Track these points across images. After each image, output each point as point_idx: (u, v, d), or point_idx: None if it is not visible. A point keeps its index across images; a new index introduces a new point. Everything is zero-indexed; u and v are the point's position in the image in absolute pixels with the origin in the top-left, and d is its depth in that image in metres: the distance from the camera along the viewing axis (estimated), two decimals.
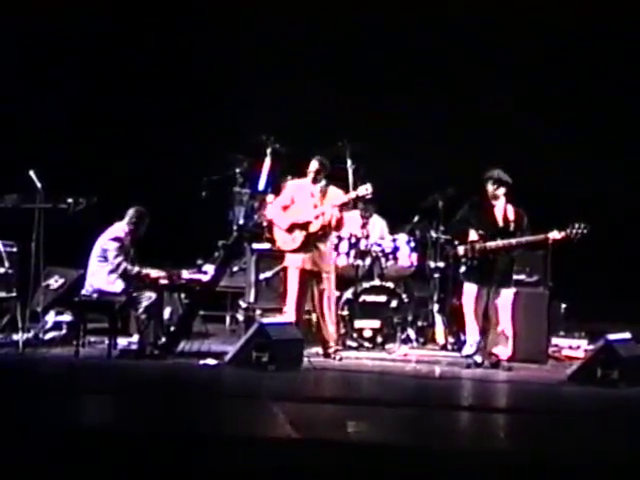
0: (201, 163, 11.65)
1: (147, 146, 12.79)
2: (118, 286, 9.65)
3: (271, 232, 10.30)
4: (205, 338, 10.43)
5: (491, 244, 9.71)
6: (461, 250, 9.80)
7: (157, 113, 12.81)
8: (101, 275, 9.70)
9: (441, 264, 10.95)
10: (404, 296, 10.73)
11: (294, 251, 9.93)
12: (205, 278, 10.03)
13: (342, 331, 10.46)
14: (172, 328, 9.87)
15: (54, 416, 6.93)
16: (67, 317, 10.19)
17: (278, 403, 7.51)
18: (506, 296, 9.73)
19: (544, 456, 6.35)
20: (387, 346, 10.52)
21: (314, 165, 10.02)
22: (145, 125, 12.84)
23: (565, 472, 6.05)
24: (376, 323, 10.57)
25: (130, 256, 9.81)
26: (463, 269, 9.81)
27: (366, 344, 10.52)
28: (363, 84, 12.89)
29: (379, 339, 10.56)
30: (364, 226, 11.00)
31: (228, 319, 11.93)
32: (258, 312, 10.60)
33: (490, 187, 9.85)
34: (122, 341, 9.88)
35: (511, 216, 9.82)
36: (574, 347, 10.79)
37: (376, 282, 10.79)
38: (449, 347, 10.75)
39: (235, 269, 11.09)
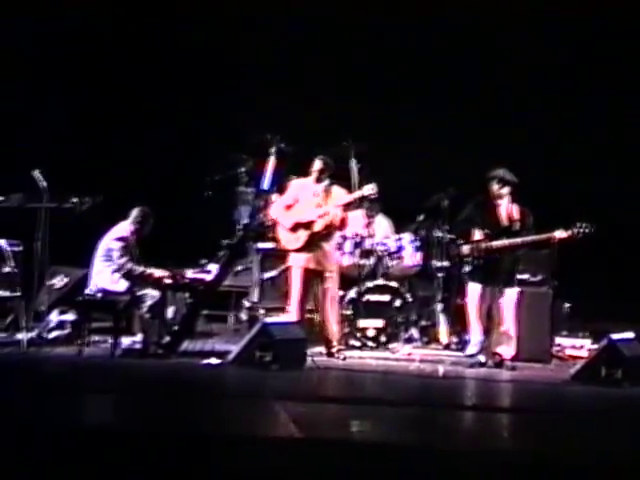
0: (205, 162, 11.65)
1: (152, 145, 12.80)
2: (122, 285, 9.66)
3: (275, 231, 10.31)
4: (209, 337, 10.45)
5: (496, 243, 9.70)
6: (465, 249, 9.79)
7: (161, 112, 12.82)
8: (105, 274, 9.70)
9: (445, 263, 10.94)
10: (408, 295, 10.73)
11: (298, 250, 9.93)
12: (209, 277, 10.03)
13: (346, 330, 10.45)
14: (176, 327, 9.86)
15: (58, 415, 6.93)
16: (71, 316, 10.19)
17: (281, 402, 7.51)
18: (510, 295, 9.73)
19: (548, 456, 6.35)
20: (391, 345, 10.51)
21: (317, 164, 10.03)
22: (150, 124, 12.85)
23: (569, 472, 6.05)
24: (380, 322, 10.57)
25: (134, 256, 9.82)
26: (467, 268, 9.81)
27: (370, 343, 10.51)
28: (368, 83, 12.89)
29: (383, 338, 10.55)
30: (368, 225, 11.00)
31: (232, 318, 11.92)
32: (262, 311, 10.61)
33: (495, 186, 9.85)
34: (126, 340, 9.87)
35: (516, 215, 9.82)
36: (578, 347, 10.77)
37: (380, 281, 10.79)
38: (453, 346, 10.74)
39: (239, 268, 11.10)
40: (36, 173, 9.97)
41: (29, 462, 5.77)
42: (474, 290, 9.74)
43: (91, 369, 9.05)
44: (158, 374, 8.96)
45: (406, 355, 10.26)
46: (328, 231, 9.96)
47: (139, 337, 9.76)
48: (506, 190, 9.83)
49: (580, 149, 12.71)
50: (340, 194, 10.00)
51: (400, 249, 10.95)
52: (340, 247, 10.65)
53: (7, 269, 10.32)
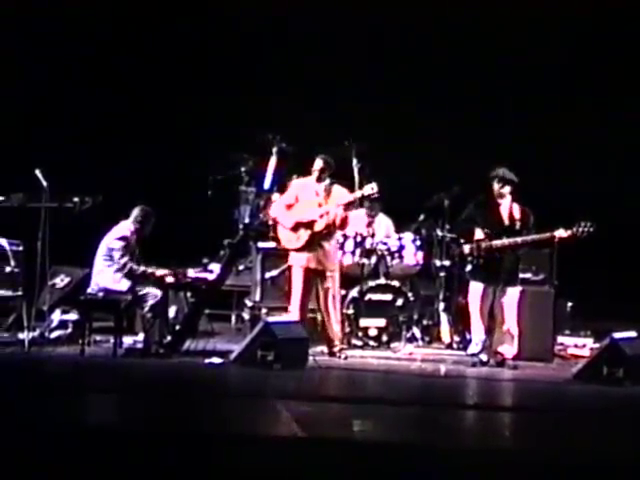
0: (207, 162, 11.66)
1: (153, 145, 12.81)
2: (124, 285, 9.66)
3: (276, 231, 10.31)
4: (211, 337, 10.45)
5: (497, 243, 9.70)
6: (467, 249, 9.80)
7: (162, 112, 12.82)
8: (107, 274, 9.70)
9: (447, 263, 10.94)
10: (410, 295, 10.72)
11: (298, 250, 9.93)
12: (211, 277, 10.03)
13: (347, 330, 10.45)
14: (178, 327, 9.87)
15: (59, 415, 6.93)
16: (73, 316, 10.20)
17: (283, 402, 7.51)
18: (512, 295, 9.73)
19: (549, 454, 6.35)
20: (392, 345, 10.51)
21: (318, 164, 10.03)
22: (151, 124, 12.85)
23: (570, 471, 6.05)
24: (381, 322, 10.57)
25: (136, 255, 9.82)
26: (469, 268, 9.82)
27: (371, 343, 10.51)
28: (369, 83, 12.89)
29: (384, 338, 10.55)
30: (370, 225, 11.01)
31: (234, 318, 11.93)
32: (264, 311, 10.61)
33: (496, 186, 9.86)
34: (128, 340, 9.89)
35: (517, 214, 9.82)
36: (580, 345, 10.79)
37: (382, 281, 10.79)
38: (454, 346, 10.74)
39: (241, 268, 11.09)
40: (37, 173, 9.97)
41: (31, 462, 5.77)
42: (476, 289, 9.75)
43: (93, 369, 9.06)
44: (160, 374, 8.96)
45: (408, 354, 10.26)
46: (329, 230, 9.96)
47: (141, 336, 9.77)
48: (507, 189, 9.84)
49: (581, 148, 12.71)
50: (341, 193, 10.00)
51: (401, 248, 10.94)
52: (341, 246, 10.64)
53: (9, 269, 10.33)
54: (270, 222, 10.60)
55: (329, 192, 10.01)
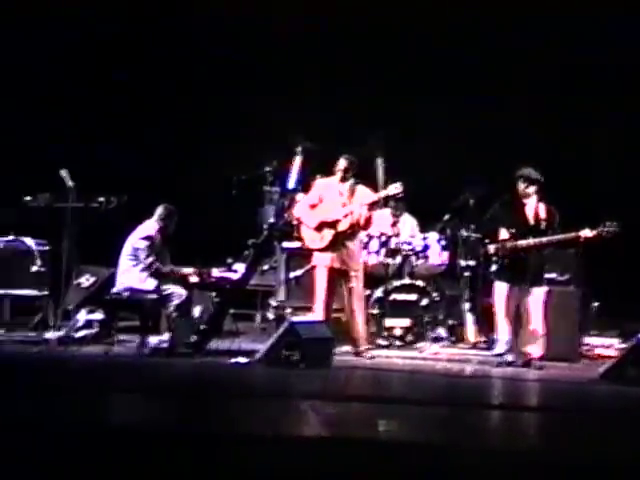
0: (231, 162, 11.67)
1: (178, 145, 12.84)
2: (150, 284, 9.69)
3: (299, 231, 10.31)
4: (235, 336, 10.44)
5: (522, 243, 9.66)
6: (492, 249, 9.76)
7: (187, 111, 12.84)
8: (133, 273, 9.74)
9: (472, 263, 10.90)
10: (435, 295, 10.71)
11: (322, 250, 9.93)
12: (235, 276, 10.05)
13: (372, 330, 10.45)
14: (202, 326, 9.88)
15: (84, 414, 6.95)
16: (98, 315, 10.23)
17: (308, 402, 7.51)
18: (537, 295, 9.69)
19: (574, 455, 6.31)
20: (418, 345, 10.50)
21: (342, 163, 10.02)
22: (175, 124, 12.88)
23: (596, 471, 6.01)
24: (406, 322, 10.56)
25: (161, 254, 9.84)
26: (494, 268, 9.77)
27: (397, 343, 10.51)
28: (394, 82, 12.85)
29: (409, 338, 10.54)
30: (394, 224, 10.99)
31: (258, 317, 11.93)
32: (288, 310, 10.61)
33: (521, 185, 9.82)
34: (153, 339, 9.91)
35: (542, 214, 9.78)
36: (606, 346, 10.72)
37: (406, 280, 10.78)
38: (480, 346, 10.71)
39: (265, 268, 11.09)
40: (63, 173, 10.02)
41: (55, 461, 5.78)
42: (501, 289, 9.71)
43: (118, 368, 9.09)
44: (185, 373, 8.99)
45: (433, 354, 10.24)
46: (353, 230, 9.95)
47: (166, 336, 9.79)
48: (532, 189, 9.80)
49: (611, 148, 12.62)
50: (365, 193, 9.99)
51: (426, 248, 10.93)
52: (366, 246, 10.64)
53: (35, 268, 10.39)
54: (294, 222, 10.60)
55: (353, 192, 10.01)
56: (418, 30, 12.84)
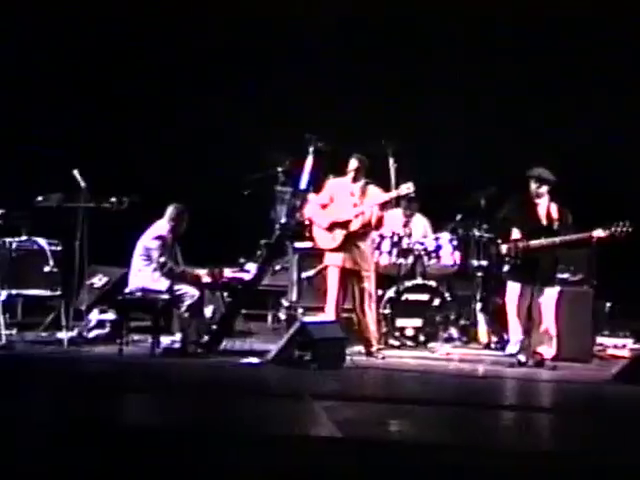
0: (243, 161, 11.67)
1: (190, 144, 12.85)
2: (163, 284, 9.70)
3: (311, 231, 10.30)
4: (247, 336, 10.46)
5: (534, 243, 9.65)
6: (504, 249, 9.75)
7: (198, 112, 12.85)
8: (145, 273, 9.75)
9: (484, 263, 10.89)
10: (447, 295, 10.70)
11: (334, 250, 9.93)
12: (247, 277, 10.05)
13: (384, 330, 10.44)
14: (215, 327, 9.89)
15: (97, 414, 6.96)
16: (111, 315, 10.26)
17: (320, 402, 7.51)
18: (550, 295, 9.68)
19: (587, 455, 6.30)
20: (430, 345, 10.49)
21: (354, 163, 10.03)
22: (188, 124, 12.89)
23: (610, 472, 6.00)
24: (418, 322, 10.55)
25: (173, 254, 9.85)
26: (506, 268, 9.76)
27: (408, 343, 10.50)
28: (405, 82, 12.84)
29: (421, 338, 10.53)
30: (406, 224, 10.99)
31: (270, 318, 11.95)
32: (300, 311, 10.61)
33: (533, 185, 9.81)
34: (165, 340, 9.92)
35: (555, 214, 9.76)
36: (619, 346, 10.70)
37: (418, 281, 10.77)
38: (492, 346, 10.68)
39: (277, 268, 11.09)
40: (75, 173, 10.03)
41: (68, 461, 5.79)
42: (513, 289, 9.70)
43: (130, 368, 9.10)
44: (197, 373, 8.99)
45: (445, 354, 10.23)
46: (364, 230, 9.95)
47: (178, 336, 9.79)
48: (545, 189, 9.79)
49: (624, 148, 12.57)
50: (376, 193, 9.98)
51: (438, 248, 10.91)
52: (378, 246, 10.63)
53: (47, 268, 10.40)
54: (306, 222, 10.59)
55: (364, 192, 10.00)
56: (435, 29, 12.81)
